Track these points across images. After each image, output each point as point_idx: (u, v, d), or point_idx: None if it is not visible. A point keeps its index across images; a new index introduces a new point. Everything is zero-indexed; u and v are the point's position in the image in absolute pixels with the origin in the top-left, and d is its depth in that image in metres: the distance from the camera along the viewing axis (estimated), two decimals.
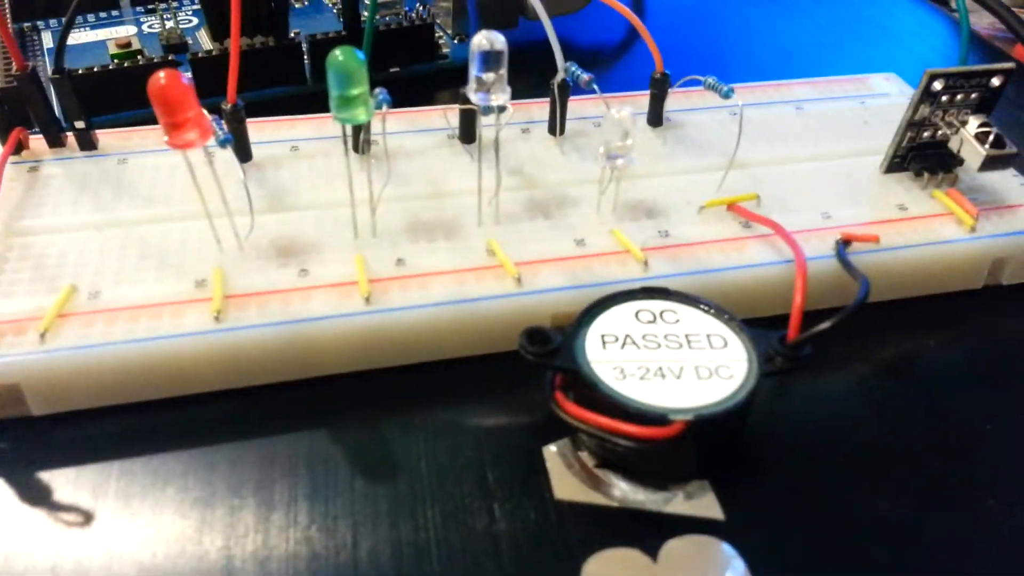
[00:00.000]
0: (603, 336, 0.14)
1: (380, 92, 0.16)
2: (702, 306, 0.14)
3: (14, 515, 0.13)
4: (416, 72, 0.24)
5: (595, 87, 0.17)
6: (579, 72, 0.17)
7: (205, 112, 0.13)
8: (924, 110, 0.17)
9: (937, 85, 0.17)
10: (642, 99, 0.20)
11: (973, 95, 0.17)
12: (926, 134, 0.18)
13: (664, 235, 0.16)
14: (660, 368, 0.13)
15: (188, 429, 0.14)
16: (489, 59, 0.14)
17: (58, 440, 0.14)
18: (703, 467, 0.13)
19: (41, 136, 0.18)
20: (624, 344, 0.13)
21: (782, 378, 0.15)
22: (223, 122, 0.15)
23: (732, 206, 0.17)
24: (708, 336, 0.14)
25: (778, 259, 0.16)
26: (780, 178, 0.18)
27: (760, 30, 0.29)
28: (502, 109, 0.16)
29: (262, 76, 0.22)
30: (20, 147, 0.18)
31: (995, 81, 0.17)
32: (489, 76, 0.14)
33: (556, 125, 0.19)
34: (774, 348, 0.13)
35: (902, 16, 0.31)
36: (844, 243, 0.16)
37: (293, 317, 0.14)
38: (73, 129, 0.18)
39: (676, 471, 0.13)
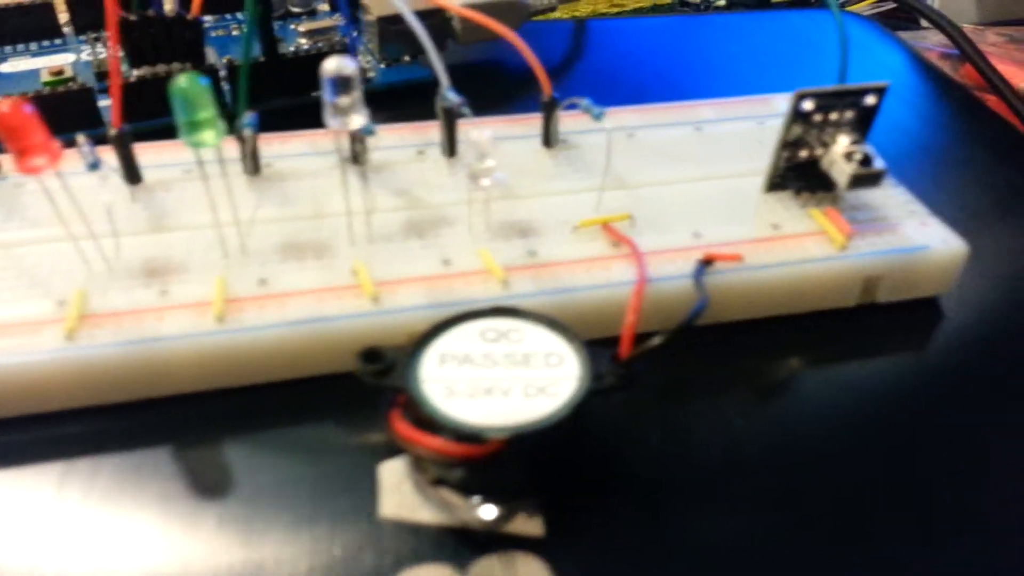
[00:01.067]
0: (443, 355, 0.14)
1: (250, 116, 0.17)
2: (548, 325, 0.14)
3: None
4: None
5: (466, 110, 0.18)
6: (452, 96, 0.17)
7: (56, 139, 0.14)
8: (796, 130, 0.17)
9: (807, 105, 0.17)
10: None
11: (848, 114, 0.17)
12: (803, 153, 0.18)
13: (532, 255, 0.17)
14: (490, 387, 0.13)
15: (47, 446, 0.14)
16: (340, 84, 0.15)
17: None
18: (532, 485, 0.13)
19: None
20: (462, 363, 0.14)
21: (635, 397, 0.15)
22: (94, 148, 0.16)
23: (605, 226, 0.17)
24: (547, 355, 0.14)
25: (636, 279, 0.16)
26: (663, 198, 0.18)
27: (704, 51, 0.30)
28: (368, 132, 0.17)
29: None
30: None
31: (869, 100, 0.17)
32: (344, 100, 0.15)
33: (447, 147, 0.20)
34: (606, 367, 0.14)
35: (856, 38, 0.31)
36: (705, 263, 0.16)
37: (143, 336, 0.14)
38: None
39: (505, 489, 0.13)
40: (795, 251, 0.17)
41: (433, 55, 0.18)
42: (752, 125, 0.21)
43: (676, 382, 0.16)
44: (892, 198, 0.18)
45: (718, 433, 0.15)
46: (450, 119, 0.19)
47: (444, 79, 0.18)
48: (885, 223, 0.17)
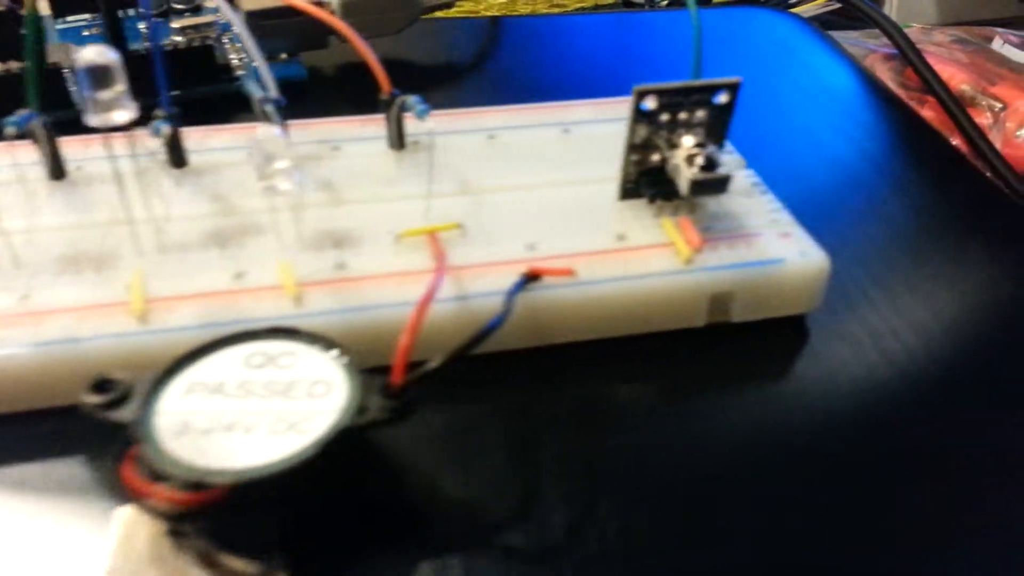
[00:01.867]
0: (193, 385, 0.12)
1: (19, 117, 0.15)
2: (327, 349, 0.13)
3: None
4: (204, 94, 0.23)
5: (269, 107, 0.16)
6: (254, 88, 0.16)
7: None
8: (642, 131, 0.16)
9: (650, 103, 0.15)
10: (465, 117, 0.19)
11: (699, 113, 0.16)
12: (654, 157, 0.16)
13: (340, 267, 0.15)
14: (233, 422, 0.12)
15: None
16: (98, 76, 0.13)
17: None
18: (282, 537, 0.12)
19: None
20: (212, 393, 0.12)
21: (436, 429, 0.13)
22: None
23: (431, 236, 0.16)
24: (313, 384, 0.12)
25: (452, 296, 0.14)
26: (510, 206, 0.17)
27: (628, 49, 0.28)
28: (157, 131, 0.15)
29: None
30: None
31: (721, 98, 0.15)
32: (105, 94, 0.13)
33: None
34: (375, 398, 0.12)
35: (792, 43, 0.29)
36: (529, 278, 0.14)
37: None
38: None
39: (248, 541, 0.12)
40: (635, 265, 0.15)
41: (252, 48, 0.16)
42: (623, 126, 0.20)
43: (489, 412, 0.14)
44: (759, 207, 0.17)
45: (531, 478, 0.13)
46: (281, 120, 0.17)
47: (266, 74, 0.16)
48: (742, 234, 0.16)
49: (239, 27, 0.17)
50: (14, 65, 0.21)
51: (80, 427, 0.12)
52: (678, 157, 0.15)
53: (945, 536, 0.13)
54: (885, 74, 0.36)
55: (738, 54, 0.27)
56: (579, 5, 0.42)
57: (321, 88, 0.25)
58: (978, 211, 0.20)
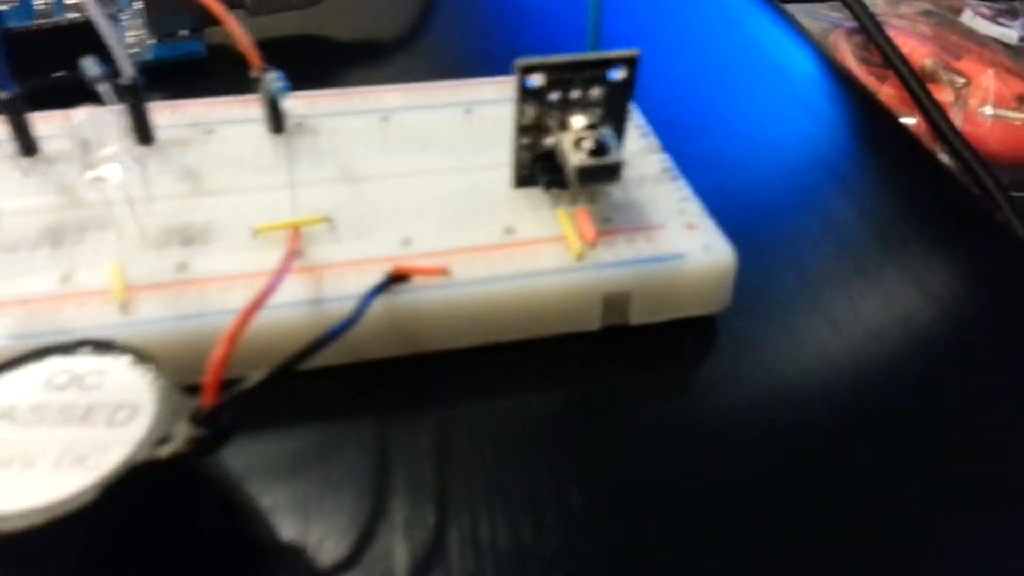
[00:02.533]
0: None
1: None
2: (143, 364, 0.11)
3: None
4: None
5: (103, 87, 0.14)
6: (92, 67, 0.14)
7: None
8: (530, 112, 0.14)
9: (536, 80, 0.13)
10: (359, 97, 0.17)
11: (594, 92, 0.14)
12: (548, 140, 0.15)
13: (181, 269, 0.13)
14: (12, 455, 0.10)
15: None
16: None
17: None
18: None
19: None
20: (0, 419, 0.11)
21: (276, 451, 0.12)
22: None
23: (294, 232, 0.14)
24: (117, 408, 0.11)
25: (305, 299, 0.13)
26: (392, 196, 0.15)
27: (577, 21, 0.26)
28: None
29: None
30: None
31: (616, 74, 0.14)
32: None
33: (138, 131, 0.16)
34: (183, 424, 0.10)
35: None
36: (395, 278, 0.13)
37: None
38: None
39: None
40: (519, 262, 0.13)
41: (104, 28, 0.14)
42: None
43: (343, 435, 0.12)
44: (667, 195, 0.15)
45: (383, 513, 0.12)
46: (131, 98, 0.15)
47: (117, 48, 0.14)
48: (644, 226, 0.14)
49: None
50: None
51: None
52: (566, 141, 0.13)
53: (848, 544, 0.12)
54: (848, 49, 0.35)
55: (679, 26, 0.25)
56: None
57: (223, 67, 0.22)
58: (927, 203, 0.18)
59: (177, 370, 0.11)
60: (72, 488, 0.10)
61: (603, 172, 0.13)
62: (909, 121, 0.30)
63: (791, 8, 0.37)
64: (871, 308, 0.15)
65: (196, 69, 0.22)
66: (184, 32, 0.23)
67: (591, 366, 0.14)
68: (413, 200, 0.15)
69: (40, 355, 0.11)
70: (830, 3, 0.39)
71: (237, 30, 0.16)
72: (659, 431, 0.13)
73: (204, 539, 0.11)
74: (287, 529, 0.11)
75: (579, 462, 0.12)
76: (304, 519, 0.11)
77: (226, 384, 0.10)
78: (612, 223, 0.14)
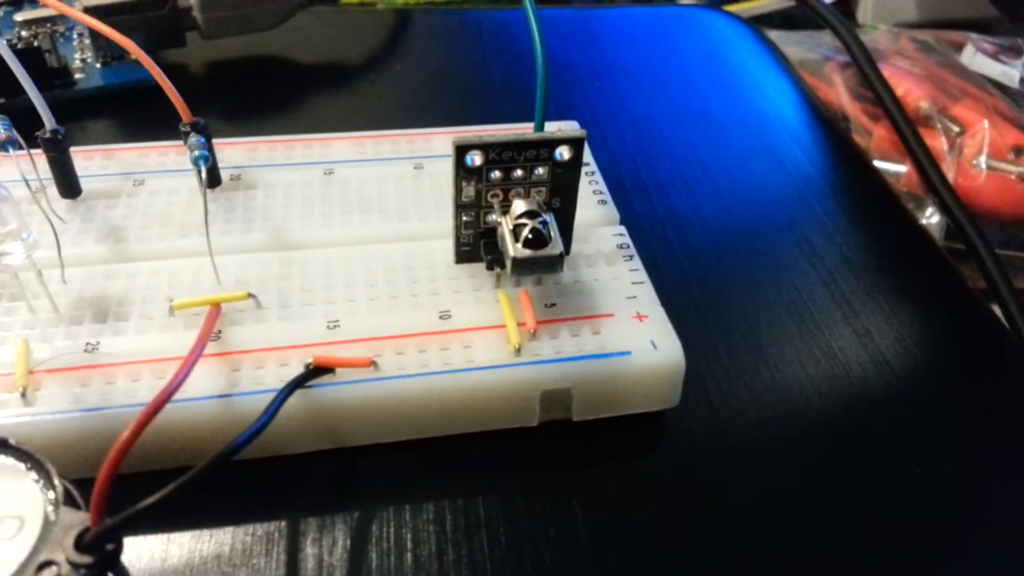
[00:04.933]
0: None
1: None
2: (37, 470, 0.10)
3: None
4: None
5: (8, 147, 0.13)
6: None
7: None
8: (469, 190, 0.13)
9: (475, 159, 0.13)
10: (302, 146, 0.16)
11: (539, 170, 0.13)
12: (491, 217, 0.14)
13: (92, 349, 0.12)
14: None
15: None
16: None
17: None
18: None
19: None
20: None
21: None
22: None
23: (214, 308, 0.13)
24: (3, 519, 0.10)
25: (219, 390, 0.12)
26: (323, 266, 0.14)
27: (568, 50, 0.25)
28: None
29: None
30: None
31: (563, 153, 0.13)
32: None
33: (61, 185, 0.15)
34: (69, 545, 0.10)
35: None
36: (313, 371, 0.12)
37: None
38: None
39: None
40: (452, 354, 0.12)
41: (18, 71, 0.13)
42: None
43: (254, 541, 0.11)
44: (619, 276, 0.14)
45: None
46: (53, 151, 0.14)
47: (38, 102, 0.13)
48: (590, 315, 0.13)
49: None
50: None
51: None
52: (505, 227, 0.12)
53: None
54: (841, 83, 0.34)
55: (658, 63, 0.24)
56: None
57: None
58: (898, 267, 0.17)
59: (77, 464, 0.11)
60: None
61: (541, 263, 0.12)
62: (900, 169, 0.29)
63: (787, 36, 0.36)
64: (828, 377, 0.14)
65: (145, 97, 0.19)
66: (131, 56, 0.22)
67: (526, 463, 0.12)
68: (346, 273, 0.14)
69: None
70: (828, 33, 0.38)
71: (165, 82, 0.14)
72: (594, 535, 0.12)
73: None
74: None
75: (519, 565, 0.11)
76: None
77: (125, 484, 0.10)
78: (556, 309, 0.13)
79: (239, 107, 0.21)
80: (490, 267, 0.14)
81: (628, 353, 0.12)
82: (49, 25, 0.22)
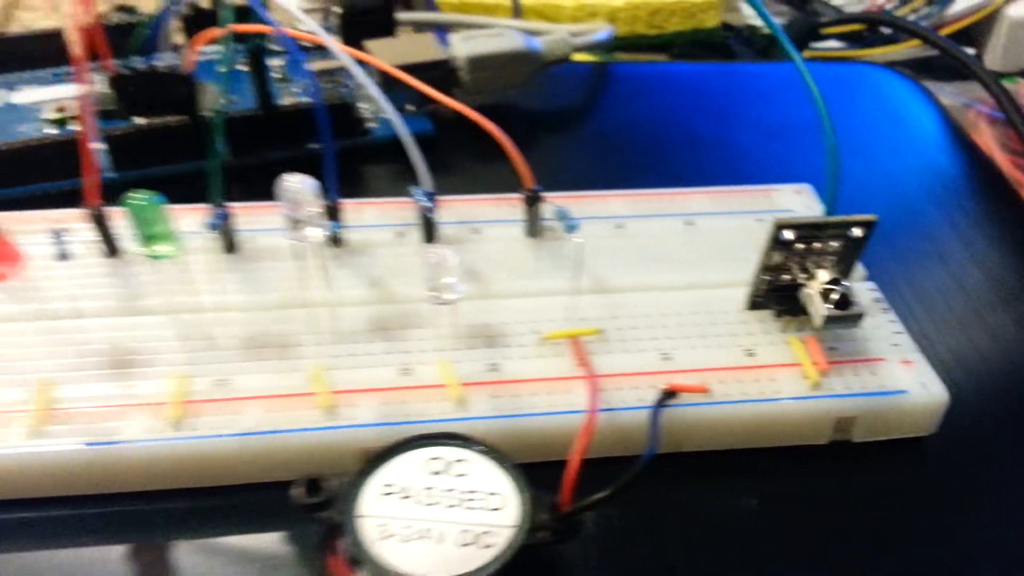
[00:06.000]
0: (385, 487, 0.14)
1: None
2: (496, 460, 0.14)
3: None
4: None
5: (431, 215, 0.17)
6: (423, 199, 0.17)
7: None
8: (777, 257, 0.17)
9: (788, 235, 0.16)
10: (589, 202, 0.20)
11: (833, 244, 0.17)
12: (786, 277, 0.17)
13: (494, 369, 0.16)
14: (426, 530, 0.13)
15: None
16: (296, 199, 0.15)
17: None
18: None
19: None
20: (403, 498, 0.14)
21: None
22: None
23: (573, 340, 0.17)
24: (489, 495, 0.14)
25: (596, 408, 0.15)
26: (640, 308, 0.18)
27: (729, 105, 0.28)
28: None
29: (174, 152, 0.22)
30: None
31: (856, 232, 0.16)
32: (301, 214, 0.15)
33: (425, 236, 0.19)
34: (545, 517, 0.13)
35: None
36: (667, 394, 0.16)
37: (101, 437, 0.14)
38: None
39: None
40: (766, 385, 0.16)
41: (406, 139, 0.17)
42: (750, 221, 0.20)
43: (624, 519, 0.15)
44: (881, 327, 0.17)
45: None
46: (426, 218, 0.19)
47: (422, 170, 0.18)
48: (865, 358, 0.17)
49: (372, 88, 0.19)
50: (156, 121, 0.22)
51: (271, 501, 0.14)
52: (813, 288, 0.16)
53: None
54: (986, 132, 0.35)
55: (841, 124, 0.27)
56: (678, 28, 0.42)
57: (450, 143, 0.24)
58: None
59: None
60: (474, 564, 0.13)
61: (847, 321, 0.16)
62: None
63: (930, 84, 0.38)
64: None
65: (425, 147, 0.21)
66: (410, 107, 0.26)
67: (821, 471, 0.16)
68: (660, 315, 0.17)
69: (413, 444, 0.14)
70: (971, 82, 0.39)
71: (513, 150, 0.18)
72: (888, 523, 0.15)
73: None
74: None
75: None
76: None
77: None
78: (837, 353, 0.17)
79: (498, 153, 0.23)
80: (779, 315, 0.17)
81: (905, 392, 0.16)
82: (335, 76, 0.25)
